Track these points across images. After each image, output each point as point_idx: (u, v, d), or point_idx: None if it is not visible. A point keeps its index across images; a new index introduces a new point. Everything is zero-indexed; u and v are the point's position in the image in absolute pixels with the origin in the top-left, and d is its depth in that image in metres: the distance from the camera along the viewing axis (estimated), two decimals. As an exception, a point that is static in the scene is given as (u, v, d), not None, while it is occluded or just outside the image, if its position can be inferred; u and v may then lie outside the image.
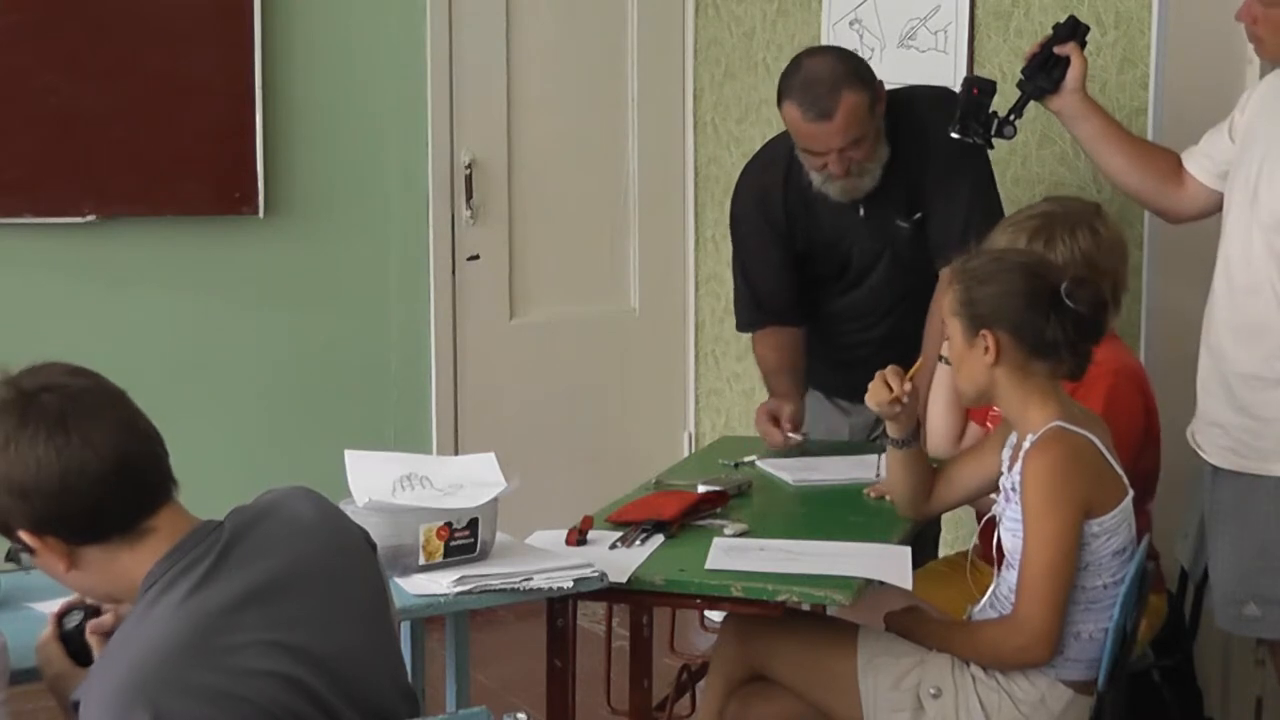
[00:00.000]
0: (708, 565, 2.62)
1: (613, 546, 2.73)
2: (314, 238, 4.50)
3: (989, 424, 3.06)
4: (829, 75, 3.24)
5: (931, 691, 2.56)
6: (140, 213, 4.23)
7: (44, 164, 4.07)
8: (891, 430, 2.75)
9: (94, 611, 1.95)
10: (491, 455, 2.66)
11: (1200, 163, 3.06)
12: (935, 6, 4.17)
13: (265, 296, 4.45)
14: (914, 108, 3.42)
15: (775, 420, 3.46)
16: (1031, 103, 3.21)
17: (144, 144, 4.17)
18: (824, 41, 4.41)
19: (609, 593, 2.59)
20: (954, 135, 3.24)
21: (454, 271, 4.72)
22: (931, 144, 3.32)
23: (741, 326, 3.73)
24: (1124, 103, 3.74)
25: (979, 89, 3.26)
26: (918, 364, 2.82)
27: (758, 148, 3.79)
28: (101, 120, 4.11)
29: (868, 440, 3.60)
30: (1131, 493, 2.55)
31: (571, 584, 2.50)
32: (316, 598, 1.82)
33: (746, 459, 3.40)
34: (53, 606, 2.01)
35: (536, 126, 4.85)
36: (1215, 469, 2.93)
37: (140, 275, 4.27)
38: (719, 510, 2.96)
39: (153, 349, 4.24)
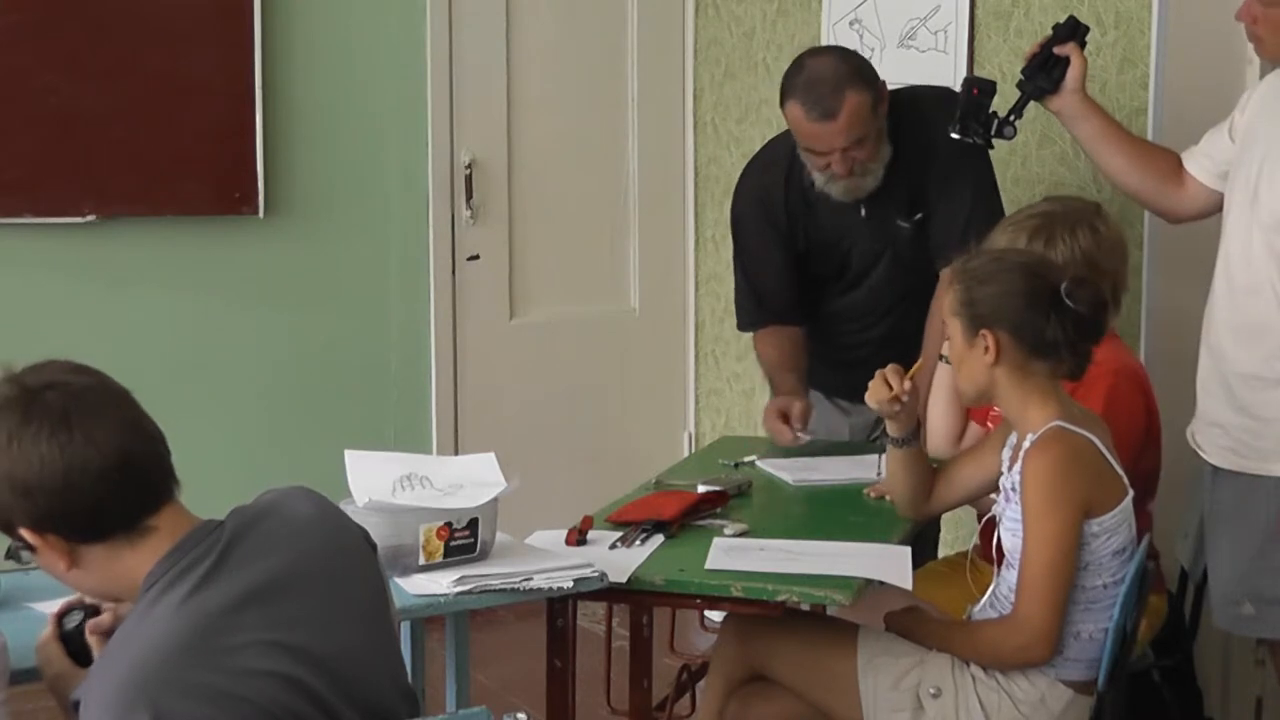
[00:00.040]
0: (708, 565, 2.62)
1: (613, 546, 2.73)
2: (314, 238, 4.50)
3: (989, 424, 3.06)
4: (832, 75, 3.24)
5: (931, 691, 2.56)
6: (140, 213, 4.23)
7: (44, 164, 4.07)
8: (891, 429, 2.75)
9: (94, 611, 1.95)
10: (491, 455, 2.66)
11: (1200, 163, 3.06)
12: (935, 6, 4.17)
13: (265, 296, 4.45)
14: (915, 108, 3.42)
15: (784, 418, 3.46)
16: (1031, 103, 3.21)
17: (144, 144, 4.17)
18: (824, 41, 4.41)
19: (609, 593, 2.59)
20: (954, 135, 3.24)
21: (454, 271, 4.72)
22: (933, 144, 3.32)
23: (743, 326, 3.73)
24: (1124, 103, 3.74)
25: (979, 89, 3.26)
26: (918, 364, 2.82)
27: (758, 148, 3.79)
28: (101, 120, 4.11)
29: (868, 440, 3.60)
30: (1131, 493, 2.55)
31: (571, 584, 2.50)
32: (317, 597, 1.82)
33: (746, 459, 3.40)
34: (53, 606, 2.01)
35: (536, 126, 4.85)
36: (1215, 469, 2.93)
37: (140, 275, 4.27)
38: (719, 510, 2.96)
39: (153, 349, 4.24)
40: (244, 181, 4.30)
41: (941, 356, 2.99)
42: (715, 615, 3.48)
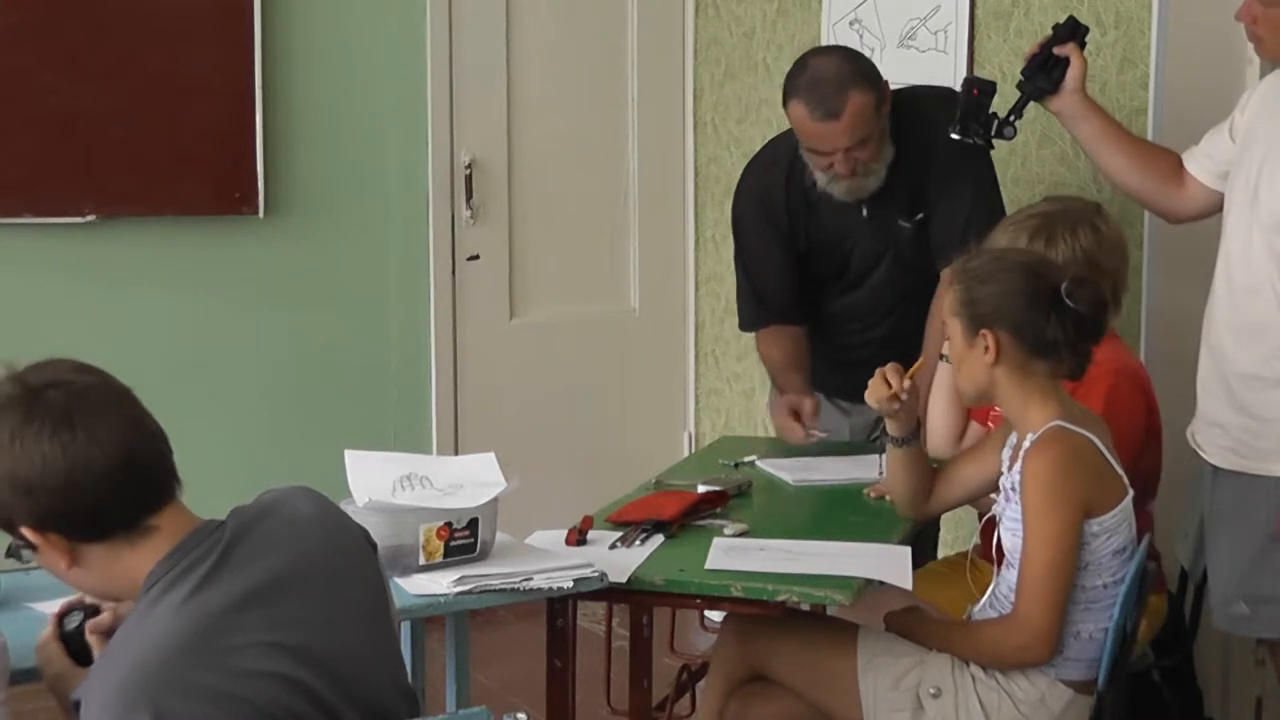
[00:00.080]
0: (708, 565, 2.62)
1: (613, 546, 2.73)
2: (314, 238, 4.50)
3: (991, 424, 3.06)
4: (836, 75, 3.24)
5: (931, 691, 2.56)
6: (140, 213, 4.23)
7: (44, 164, 4.07)
8: (891, 428, 2.75)
9: (94, 611, 1.95)
10: (491, 455, 2.66)
11: (1201, 163, 3.06)
12: (935, 6, 4.17)
13: (265, 296, 4.45)
14: (916, 108, 3.42)
15: (795, 416, 3.46)
16: (1031, 103, 3.21)
17: (144, 144, 4.17)
18: (824, 41, 4.41)
19: (609, 593, 2.59)
20: (954, 136, 3.24)
21: (454, 271, 4.72)
22: (934, 144, 3.32)
23: (744, 326, 3.73)
24: (1124, 103, 3.74)
25: (979, 90, 3.26)
26: (918, 363, 2.82)
27: (758, 148, 3.79)
28: (101, 120, 4.11)
29: (868, 440, 3.60)
30: (1131, 492, 2.55)
31: (571, 584, 2.50)
32: (317, 597, 1.82)
33: (746, 459, 3.40)
34: (53, 607, 2.01)
35: (536, 126, 4.85)
36: (1215, 469, 2.93)
37: (140, 275, 4.27)
38: (719, 510, 2.96)
39: (153, 349, 4.24)
40: (244, 181, 4.30)
41: (942, 356, 2.99)
42: (715, 615, 3.48)
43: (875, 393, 2.70)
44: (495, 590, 2.46)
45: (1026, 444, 2.51)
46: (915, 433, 2.76)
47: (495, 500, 2.55)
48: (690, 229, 5.14)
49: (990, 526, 2.66)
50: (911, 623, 2.67)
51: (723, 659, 2.81)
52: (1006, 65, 3.97)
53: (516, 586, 2.48)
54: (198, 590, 1.75)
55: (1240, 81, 3.63)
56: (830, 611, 2.73)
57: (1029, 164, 3.98)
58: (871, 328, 3.60)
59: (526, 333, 4.88)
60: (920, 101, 3.46)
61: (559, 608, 2.66)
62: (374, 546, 1.96)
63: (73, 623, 1.95)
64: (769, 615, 2.59)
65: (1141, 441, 2.92)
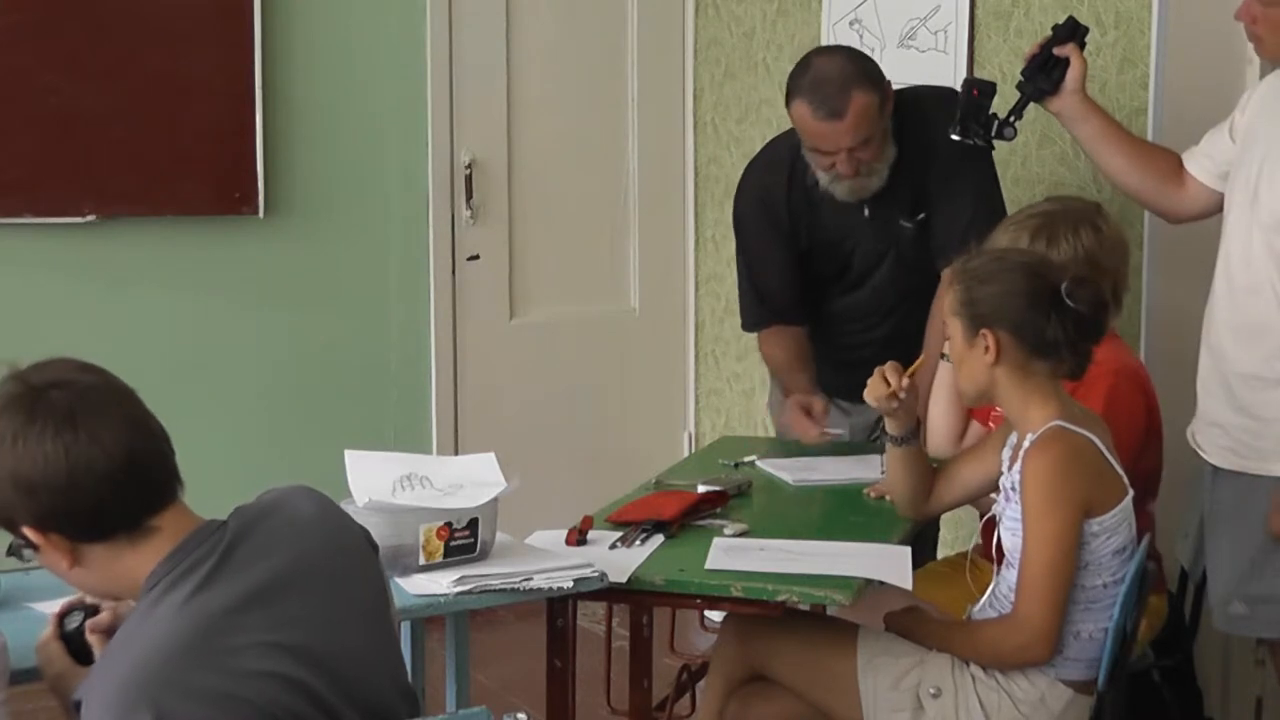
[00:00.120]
0: (708, 565, 2.62)
1: (613, 546, 2.73)
2: (314, 238, 4.50)
3: (991, 424, 3.06)
4: (839, 75, 3.24)
5: (931, 691, 2.56)
6: (140, 213, 4.23)
7: (44, 164, 4.07)
8: (890, 427, 2.75)
9: (94, 611, 1.94)
10: (491, 455, 2.66)
11: (1201, 163, 3.06)
12: (935, 6, 4.17)
13: (265, 296, 4.45)
14: (918, 108, 3.42)
15: (807, 415, 3.45)
16: (1031, 104, 3.21)
17: (144, 144, 4.17)
18: (824, 42, 4.41)
19: (609, 593, 2.59)
20: (954, 137, 3.24)
21: (454, 271, 4.72)
22: (936, 145, 3.32)
23: (747, 326, 3.73)
24: (1124, 103, 3.74)
25: (979, 90, 3.26)
26: (918, 361, 2.82)
27: (758, 148, 3.79)
28: (101, 120, 4.11)
29: (868, 440, 3.60)
30: (1131, 492, 2.55)
31: (571, 584, 2.50)
32: (318, 596, 1.82)
33: (746, 459, 3.40)
34: (53, 607, 2.01)
35: (536, 126, 4.85)
36: (1215, 469, 2.94)
37: (140, 275, 4.27)
38: (719, 510, 2.96)
39: (153, 349, 4.24)
40: (244, 181, 4.30)
41: (943, 355, 2.99)
42: (715, 615, 3.48)
43: (874, 391, 2.70)
44: (495, 590, 2.46)
45: (1026, 444, 2.51)
46: (915, 432, 2.76)
47: (495, 500, 2.55)
48: (690, 229, 5.14)
49: (990, 526, 2.66)
50: (911, 623, 2.67)
51: (723, 659, 2.81)
52: (1006, 65, 3.97)
53: (516, 586, 2.48)
54: (199, 590, 1.75)
55: (1240, 81, 3.63)
56: (830, 611, 2.73)
57: (1029, 164, 3.98)
58: (873, 328, 3.59)
59: (526, 333, 4.87)
60: (922, 102, 3.46)
61: (559, 608, 2.66)
62: (375, 547, 1.96)
63: (73, 622, 1.95)
64: (769, 615, 2.59)
65: (1142, 441, 2.92)
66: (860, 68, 3.29)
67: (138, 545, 1.79)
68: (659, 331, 5.14)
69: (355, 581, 1.88)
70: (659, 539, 2.77)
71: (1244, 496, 2.87)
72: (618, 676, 3.38)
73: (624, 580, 2.57)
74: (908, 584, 2.60)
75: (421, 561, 2.47)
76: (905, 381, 2.69)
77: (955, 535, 3.87)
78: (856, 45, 4.10)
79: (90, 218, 4.15)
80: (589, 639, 3.27)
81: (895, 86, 3.40)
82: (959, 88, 3.35)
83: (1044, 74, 3.17)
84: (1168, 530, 3.19)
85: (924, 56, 4.20)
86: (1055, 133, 3.83)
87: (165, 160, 4.20)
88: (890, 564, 2.64)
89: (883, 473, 3.02)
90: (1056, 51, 3.17)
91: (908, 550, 2.74)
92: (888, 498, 2.94)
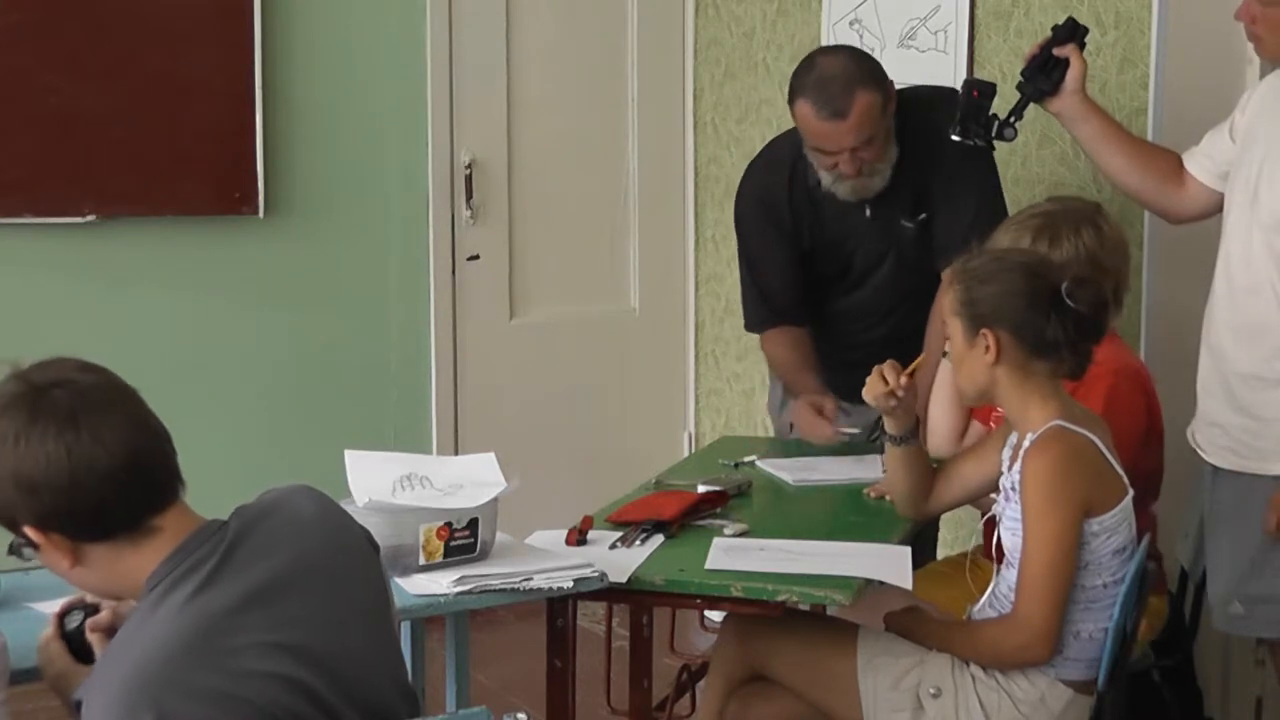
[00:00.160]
0: (708, 565, 2.62)
1: (613, 546, 2.73)
2: (314, 238, 4.50)
3: (992, 423, 3.06)
4: (843, 74, 3.24)
5: (931, 691, 2.56)
6: (140, 213, 4.23)
7: (44, 164, 4.07)
8: (889, 426, 2.75)
9: (95, 610, 1.94)
10: (491, 455, 2.66)
11: (1201, 163, 3.06)
12: (935, 6, 4.17)
13: (265, 296, 4.45)
14: (920, 108, 3.42)
15: (818, 415, 3.45)
16: (1031, 104, 3.21)
17: (144, 144, 4.17)
18: (824, 42, 4.41)
19: (609, 593, 2.59)
20: (954, 138, 3.24)
21: (454, 271, 4.72)
22: (938, 145, 3.32)
23: (750, 326, 3.73)
24: (1124, 103, 3.74)
25: (979, 91, 3.26)
26: (917, 360, 2.82)
27: (758, 148, 3.79)
28: (101, 120, 4.11)
29: (868, 440, 3.60)
30: (1131, 492, 2.55)
31: (571, 584, 2.50)
32: (318, 596, 1.82)
33: (746, 459, 3.40)
34: (53, 606, 2.01)
35: (536, 126, 4.85)
36: (1215, 469, 2.94)
37: (140, 275, 4.27)
38: (719, 510, 2.96)
39: (153, 349, 4.24)
40: (244, 181, 4.30)
41: (944, 354, 2.99)
42: (715, 615, 3.48)
43: (872, 389, 2.70)
44: (495, 590, 2.46)
45: (1026, 443, 2.51)
46: (914, 431, 2.76)
47: (495, 500, 2.55)
48: (690, 229, 5.14)
49: (991, 526, 2.66)
50: (911, 623, 2.67)
51: (723, 659, 2.81)
52: (1006, 65, 3.97)
53: (516, 586, 2.48)
54: (200, 591, 1.74)
55: (1240, 81, 3.63)
56: (830, 611, 2.73)
57: (1029, 164, 3.98)
58: (874, 328, 3.59)
59: (526, 333, 4.88)
60: (923, 102, 3.46)
61: (559, 608, 2.66)
62: (376, 547, 1.96)
63: (74, 622, 1.95)
64: (769, 615, 2.59)
65: (1142, 441, 2.92)
66: (864, 67, 3.29)
67: (139, 545, 1.79)
68: (659, 331, 5.14)
69: (356, 581, 1.88)
70: (659, 539, 2.77)
71: (1244, 496, 2.87)
72: (618, 676, 3.38)
73: (624, 580, 2.57)
74: (908, 584, 2.60)
75: (421, 561, 2.47)
76: (904, 380, 2.69)
77: (955, 535, 3.87)
78: (856, 45, 4.10)
79: (90, 218, 4.15)
80: (589, 639, 3.27)
81: (898, 87, 3.40)
82: (959, 88, 3.35)
83: (1044, 74, 3.17)
84: (1168, 530, 3.19)
85: (924, 56, 4.20)
86: (1055, 133, 3.83)
87: (165, 160, 4.20)
88: (890, 564, 2.65)
89: (883, 473, 3.03)
90: (1056, 52, 3.17)
91: (908, 550, 2.75)
92: (888, 498, 2.94)
